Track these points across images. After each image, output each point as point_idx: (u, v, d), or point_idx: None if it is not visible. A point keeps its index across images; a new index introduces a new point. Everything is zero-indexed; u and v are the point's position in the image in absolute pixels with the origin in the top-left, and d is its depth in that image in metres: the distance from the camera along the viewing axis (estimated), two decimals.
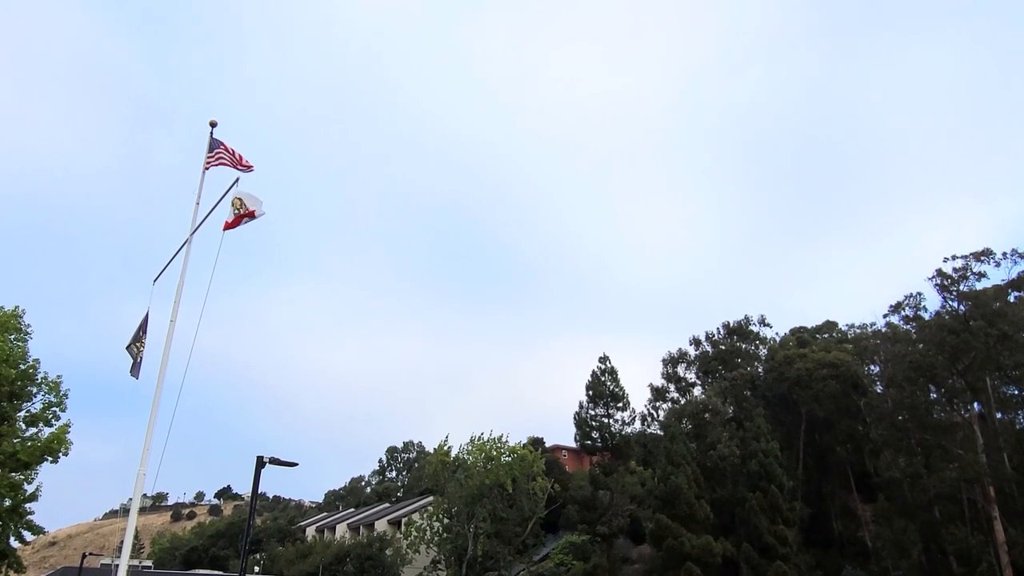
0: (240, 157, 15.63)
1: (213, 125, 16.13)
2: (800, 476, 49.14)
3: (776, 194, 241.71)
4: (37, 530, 25.52)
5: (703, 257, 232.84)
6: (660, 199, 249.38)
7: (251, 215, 14.56)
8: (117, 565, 17.10)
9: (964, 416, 44.37)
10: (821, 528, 48.44)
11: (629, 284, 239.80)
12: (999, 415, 44.46)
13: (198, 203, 15.32)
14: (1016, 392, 45.96)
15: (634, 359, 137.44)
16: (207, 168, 15.52)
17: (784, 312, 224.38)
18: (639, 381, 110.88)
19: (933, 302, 46.39)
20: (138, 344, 15.23)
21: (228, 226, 14.54)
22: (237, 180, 14.79)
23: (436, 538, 51.99)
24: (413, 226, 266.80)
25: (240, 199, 14.79)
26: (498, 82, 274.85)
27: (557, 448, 71.34)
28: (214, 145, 15.61)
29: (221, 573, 48.83)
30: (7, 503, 23.37)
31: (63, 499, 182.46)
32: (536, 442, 63.05)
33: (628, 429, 50.69)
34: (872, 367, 53.99)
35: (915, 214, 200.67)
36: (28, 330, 25.81)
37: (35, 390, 24.96)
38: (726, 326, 58.30)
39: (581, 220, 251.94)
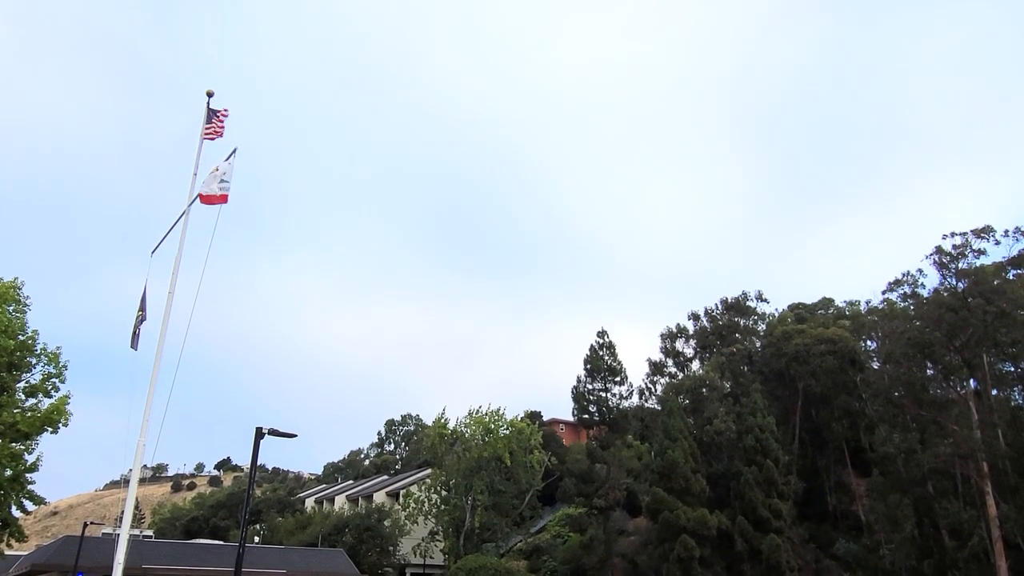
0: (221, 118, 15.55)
1: (210, 95, 15.93)
2: (795, 451, 49.58)
3: (782, 168, 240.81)
4: (38, 500, 25.72)
5: (706, 231, 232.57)
6: (665, 172, 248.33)
7: (222, 199, 14.39)
8: (118, 534, 17.25)
9: (960, 393, 44.64)
10: (815, 502, 48.98)
11: (631, 258, 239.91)
12: (995, 392, 44.73)
13: (195, 174, 15.20)
14: (1012, 369, 46.20)
15: (635, 334, 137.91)
16: (205, 139, 15.37)
17: (783, 288, 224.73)
18: (638, 356, 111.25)
19: (932, 280, 46.49)
20: (141, 317, 15.23)
21: (207, 200, 14.42)
22: (235, 151, 14.65)
23: (434, 510, 52.60)
24: (417, 197, 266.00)
25: (226, 166, 14.66)
26: (506, 52, 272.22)
27: (554, 422, 71.83)
28: (211, 116, 15.44)
29: (221, 543, 49.28)
30: (8, 473, 23.51)
31: (64, 470, 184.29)
32: (534, 416, 63.46)
33: (625, 403, 51.02)
34: (869, 343, 54.26)
35: (925, 191, 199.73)
36: (27, 301, 25.79)
37: (34, 361, 25.00)
38: (724, 302, 58.40)
39: (586, 192, 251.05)
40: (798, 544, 42.94)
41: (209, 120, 15.48)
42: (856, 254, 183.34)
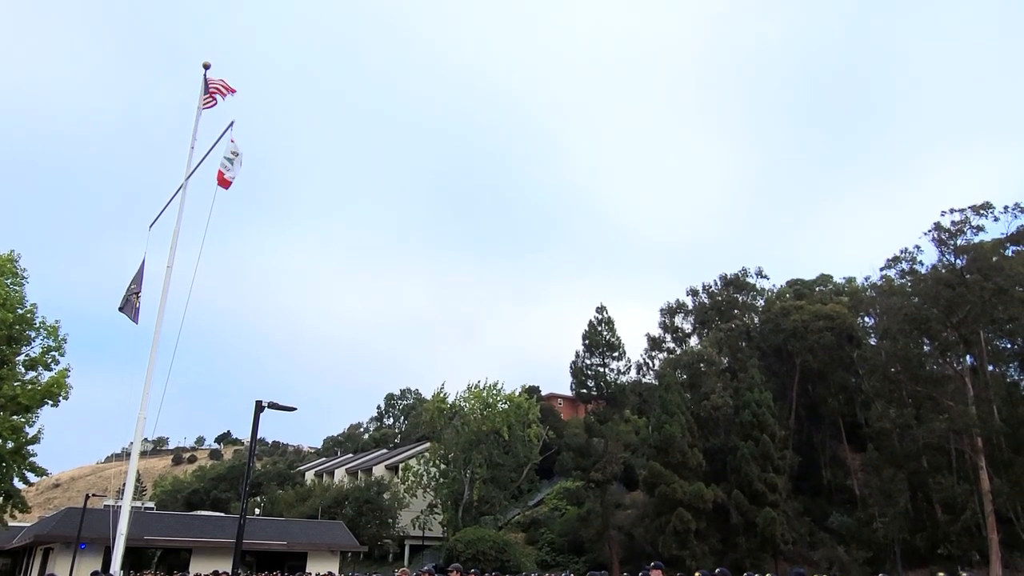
0: (224, 85, 15.37)
1: (207, 67, 15.76)
2: (792, 426, 49.95)
3: (787, 143, 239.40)
4: (40, 472, 25.93)
5: (709, 206, 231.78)
6: (671, 146, 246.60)
7: (225, 184, 14.27)
8: (120, 506, 17.41)
9: (956, 369, 44.86)
10: (810, 476, 49.47)
11: (634, 232, 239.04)
12: (991, 368, 44.99)
13: (192, 147, 15.09)
14: (1009, 345, 46.41)
15: (634, 309, 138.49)
16: (203, 108, 15.24)
17: (782, 264, 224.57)
18: (637, 331, 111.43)
19: (931, 256, 46.53)
20: (135, 290, 15.22)
21: (222, 182, 14.32)
22: (232, 123, 14.54)
23: (433, 483, 53.09)
24: (423, 170, 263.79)
25: (230, 143, 14.54)
26: (513, 18, 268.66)
27: (553, 396, 72.21)
28: (208, 87, 15.31)
29: (222, 514, 49.82)
30: (9, 445, 23.68)
31: (66, 442, 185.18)
32: (532, 390, 63.78)
33: (623, 378, 51.26)
34: (867, 319, 54.40)
35: (930, 168, 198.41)
36: (24, 275, 25.79)
37: (33, 335, 25.06)
38: (723, 278, 58.47)
39: (591, 164, 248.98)
40: (793, 517, 43.45)
41: (206, 91, 15.35)
42: (857, 231, 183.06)
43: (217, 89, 15.33)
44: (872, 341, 52.22)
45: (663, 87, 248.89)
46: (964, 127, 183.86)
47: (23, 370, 24.79)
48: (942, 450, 42.77)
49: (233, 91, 15.67)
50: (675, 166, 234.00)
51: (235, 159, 14.32)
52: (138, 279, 15.16)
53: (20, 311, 24.67)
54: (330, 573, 22.75)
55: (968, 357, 45.19)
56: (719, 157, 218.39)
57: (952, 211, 44.45)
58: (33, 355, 24.96)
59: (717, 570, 10.22)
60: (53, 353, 25.08)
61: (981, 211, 43.83)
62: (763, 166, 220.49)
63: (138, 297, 15.01)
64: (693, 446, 43.20)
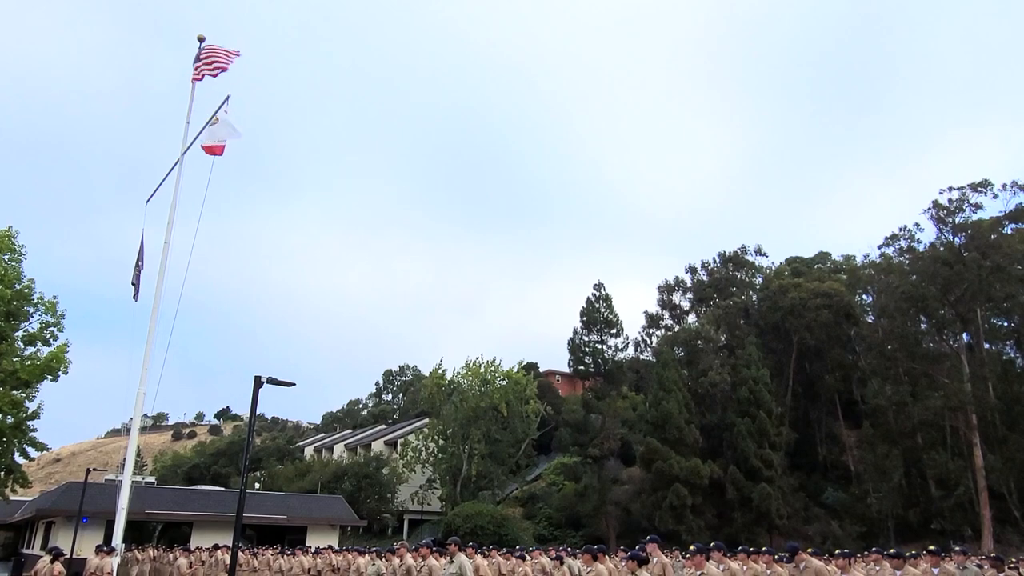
0: (223, 53, 15.18)
1: (201, 40, 15.59)
2: (788, 403, 50.22)
3: (792, 118, 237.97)
4: (41, 447, 26.03)
5: (710, 181, 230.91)
6: (674, 122, 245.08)
7: (219, 151, 14.14)
8: (121, 481, 17.52)
9: (952, 346, 45.06)
10: (806, 452, 49.86)
11: (634, 209, 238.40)
12: (987, 346, 45.19)
13: (188, 122, 14.98)
14: (1006, 323, 46.54)
15: (634, 286, 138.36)
16: (194, 80, 15.08)
17: (782, 242, 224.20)
18: (636, 308, 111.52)
19: (929, 234, 46.52)
20: (140, 267, 15.20)
21: (209, 150, 14.21)
22: (228, 97, 14.40)
23: (431, 458, 53.44)
24: (423, 145, 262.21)
25: (219, 119, 14.40)
26: None
27: (551, 373, 72.50)
28: (201, 58, 15.14)
29: (223, 489, 50.18)
30: (10, 420, 23.75)
31: (66, 417, 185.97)
32: (530, 367, 63.99)
33: (621, 355, 51.41)
34: (865, 297, 54.52)
35: (940, 144, 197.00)
36: (22, 251, 25.69)
37: (32, 310, 25.00)
38: (722, 255, 58.44)
39: (595, 139, 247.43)
40: (788, 493, 43.86)
41: (197, 61, 15.19)
42: (859, 208, 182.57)
43: (212, 60, 15.13)
44: (869, 319, 52.38)
45: (664, 59, 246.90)
46: (975, 103, 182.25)
47: (22, 346, 24.79)
48: (937, 427, 43.08)
49: (236, 53, 15.45)
50: (677, 141, 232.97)
51: (229, 132, 14.19)
52: (140, 255, 15.14)
53: (18, 287, 24.60)
54: (330, 546, 22.97)
55: (964, 335, 45.37)
56: (721, 132, 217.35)
57: (951, 189, 44.39)
58: (32, 331, 24.92)
59: (712, 544, 10.33)
60: (52, 329, 25.04)
61: (980, 188, 43.76)
62: (765, 142, 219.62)
63: (139, 272, 15.00)
64: (690, 422, 43.49)
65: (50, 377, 24.11)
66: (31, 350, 24.73)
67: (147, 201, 15.68)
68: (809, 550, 9.25)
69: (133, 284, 15.11)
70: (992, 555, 14.87)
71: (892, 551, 10.13)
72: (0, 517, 40.92)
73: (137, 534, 32.63)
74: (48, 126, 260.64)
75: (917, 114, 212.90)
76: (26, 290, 24.71)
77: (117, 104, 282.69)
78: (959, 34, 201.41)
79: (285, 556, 20.20)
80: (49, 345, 24.74)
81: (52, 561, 13.62)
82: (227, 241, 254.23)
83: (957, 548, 11.97)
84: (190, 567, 18.89)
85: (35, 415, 24.79)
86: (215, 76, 15.13)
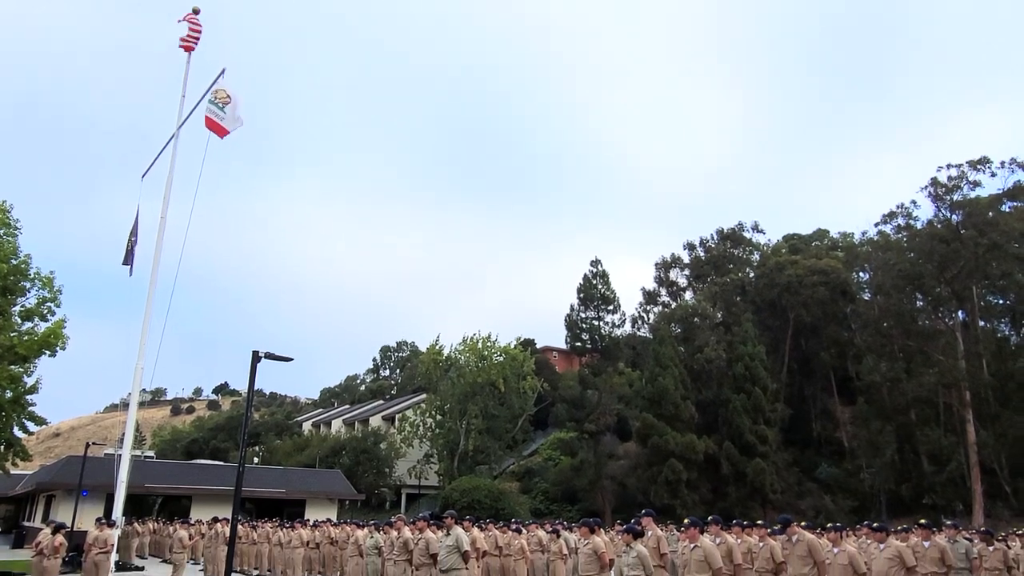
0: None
1: (196, 12, 15.40)
2: (784, 379, 50.52)
3: (789, 95, 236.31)
4: (40, 421, 26.14)
5: (710, 158, 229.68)
6: (676, 94, 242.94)
7: (222, 131, 14.01)
8: (120, 455, 17.64)
9: (948, 324, 45.25)
10: (801, 428, 50.25)
11: (635, 185, 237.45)
12: (982, 323, 45.36)
13: (184, 95, 14.84)
14: (1001, 301, 46.69)
15: (632, 262, 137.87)
16: (185, 49, 14.91)
17: (781, 218, 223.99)
18: (634, 285, 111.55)
19: (927, 212, 46.45)
20: (134, 242, 15.15)
21: (210, 125, 14.09)
22: (223, 71, 14.26)
23: (429, 433, 53.81)
24: (424, 119, 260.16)
25: (224, 91, 14.27)
26: None
27: (548, 349, 72.72)
28: (191, 30, 14.96)
29: (221, 463, 50.52)
30: (8, 394, 23.82)
31: (65, 392, 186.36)
32: (527, 343, 64.18)
33: (618, 332, 51.64)
34: (862, 275, 54.61)
35: (946, 120, 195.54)
36: (17, 225, 25.57)
37: (28, 285, 24.95)
38: (720, 232, 58.43)
39: (597, 112, 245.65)
40: (782, 468, 44.29)
41: (186, 35, 15.02)
42: (861, 184, 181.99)
43: (194, 29, 14.95)
44: (866, 296, 52.54)
45: (665, 35, 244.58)
46: (983, 79, 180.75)
47: (19, 321, 24.77)
48: (930, 403, 43.42)
49: (197, 23, 15.19)
50: (678, 117, 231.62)
51: (228, 106, 14.06)
52: (135, 230, 15.09)
53: (14, 262, 24.51)
54: (328, 520, 23.21)
55: (960, 312, 45.53)
56: (723, 108, 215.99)
57: (949, 166, 44.27)
58: (29, 306, 24.89)
59: (710, 517, 10.46)
60: (49, 304, 25.02)
61: (978, 166, 43.65)
62: (765, 117, 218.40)
63: (133, 247, 14.97)
64: (686, 398, 43.78)
65: (48, 352, 24.12)
66: (28, 325, 24.72)
67: (143, 176, 15.61)
68: (802, 524, 9.36)
69: (126, 263, 15.07)
70: (982, 529, 15.09)
71: (876, 524, 10.26)
72: (1, 490, 41.23)
73: (137, 507, 32.91)
74: (41, 96, 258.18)
75: (922, 90, 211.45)
76: (22, 265, 24.63)
77: (113, 73, 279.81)
78: (969, 5, 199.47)
79: (284, 529, 20.39)
80: (46, 320, 24.72)
81: (53, 533, 13.78)
82: (225, 215, 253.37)
83: (948, 522, 12.15)
84: (190, 539, 19.09)
85: (33, 389, 24.86)
86: (190, 51, 14.95)
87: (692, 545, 8.57)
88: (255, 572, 21.52)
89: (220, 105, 14.00)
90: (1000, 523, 32.44)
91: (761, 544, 10.32)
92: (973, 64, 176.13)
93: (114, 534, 15.42)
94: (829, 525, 10.21)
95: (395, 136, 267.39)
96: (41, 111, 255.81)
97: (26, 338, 23.92)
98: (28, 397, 24.81)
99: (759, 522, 11.63)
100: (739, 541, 10.43)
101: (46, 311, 24.93)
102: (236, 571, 18.78)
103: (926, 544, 10.29)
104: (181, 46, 14.89)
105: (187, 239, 13.67)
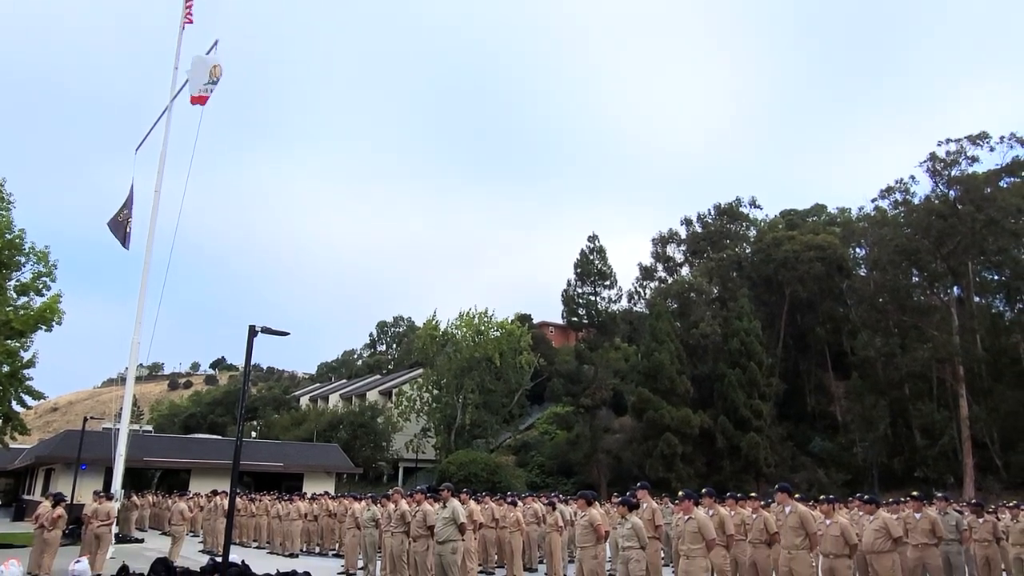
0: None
1: None
2: (779, 354, 50.78)
3: (792, 67, 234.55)
4: (37, 395, 26.20)
5: (710, 132, 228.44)
6: (675, 67, 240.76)
7: (201, 101, 13.89)
8: (118, 429, 17.75)
9: (943, 299, 45.43)
10: (795, 403, 50.63)
11: (633, 160, 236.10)
12: (977, 299, 45.53)
13: (176, 67, 14.69)
14: (996, 277, 46.83)
15: (630, 238, 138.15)
16: (185, 22, 14.76)
17: (780, 193, 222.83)
18: (631, 261, 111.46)
19: (925, 187, 46.36)
20: (127, 216, 15.08)
21: (195, 100, 13.97)
22: (216, 42, 14.10)
23: (426, 408, 54.11)
24: (424, 93, 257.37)
25: (219, 66, 14.13)
26: None
27: (544, 324, 72.90)
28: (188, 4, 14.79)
29: (219, 437, 50.81)
30: (5, 369, 23.83)
31: (63, 367, 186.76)
32: (523, 318, 64.36)
33: (614, 307, 51.76)
34: (858, 250, 54.64)
35: (953, 94, 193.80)
36: (10, 199, 25.38)
37: (23, 260, 24.83)
38: (717, 207, 58.30)
39: (598, 84, 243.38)
40: (776, 442, 44.69)
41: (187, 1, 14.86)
42: (857, 161, 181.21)
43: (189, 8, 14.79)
44: (862, 272, 52.61)
45: (663, 2, 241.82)
46: (988, 52, 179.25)
47: (15, 295, 24.69)
48: (924, 378, 43.71)
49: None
50: (677, 90, 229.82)
51: (212, 76, 13.93)
52: (128, 204, 15.02)
53: (8, 236, 24.37)
54: (326, 493, 23.41)
55: (955, 288, 45.69)
56: (722, 80, 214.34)
57: (948, 141, 44.13)
58: (24, 281, 24.80)
59: (704, 490, 10.57)
60: (44, 279, 24.93)
61: (978, 141, 43.52)
62: (764, 91, 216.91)
63: (129, 223, 14.91)
64: (681, 373, 44.01)
65: (44, 327, 24.09)
66: (24, 300, 24.65)
67: (137, 148, 15.49)
68: (796, 496, 9.47)
69: (118, 235, 15.01)
70: (973, 501, 15.29)
71: (867, 497, 10.39)
72: (0, 464, 41.46)
73: (136, 481, 33.14)
74: (32, 66, 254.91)
75: (924, 65, 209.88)
76: (17, 240, 24.49)
77: (111, 46, 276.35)
78: None
79: (282, 502, 20.57)
80: (42, 295, 24.64)
81: (53, 506, 13.86)
82: (221, 189, 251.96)
83: (939, 495, 12.30)
84: (189, 512, 19.25)
85: (30, 364, 24.88)
86: (187, 24, 14.81)
87: (686, 517, 8.66)
88: (254, 544, 21.74)
89: (215, 81, 13.88)
90: (991, 496, 32.87)
91: (755, 516, 10.46)
92: (976, 36, 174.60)
93: (114, 507, 15.54)
94: (822, 497, 10.34)
95: (394, 114, 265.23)
96: (33, 84, 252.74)
97: (22, 313, 23.87)
98: (25, 371, 24.84)
99: (752, 495, 11.77)
100: (732, 513, 10.56)
101: (41, 286, 24.83)
102: (235, 543, 19.01)
103: (917, 516, 10.42)
104: (184, 22, 14.73)
105: (182, 213, 13.63)
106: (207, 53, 14.12)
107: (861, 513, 10.48)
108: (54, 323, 24.31)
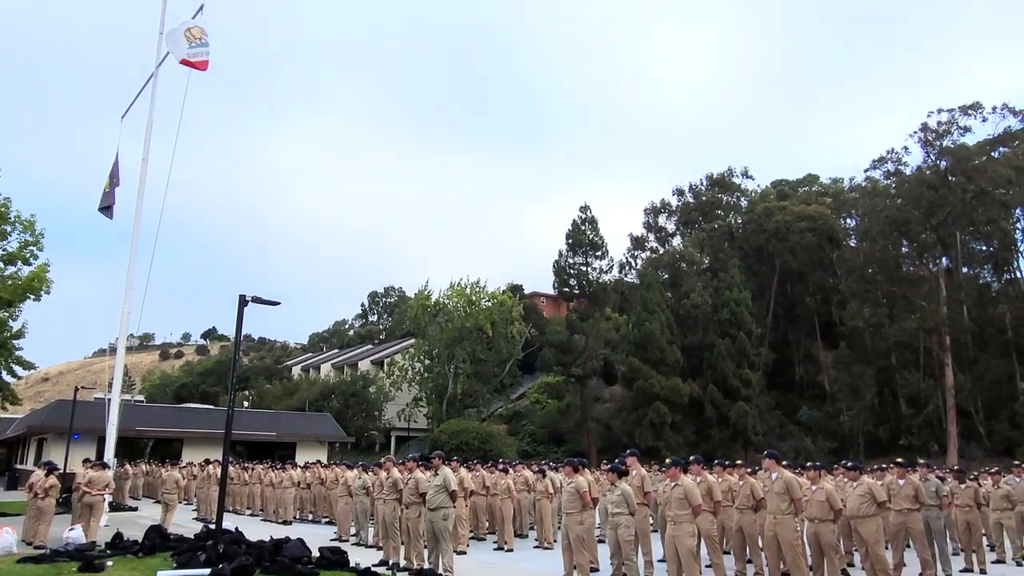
0: None
1: None
2: (769, 324, 51.13)
3: (795, 33, 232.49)
4: (28, 365, 26.18)
5: (702, 102, 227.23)
6: (671, 33, 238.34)
7: (202, 66, 13.62)
8: (110, 399, 17.75)
9: (932, 270, 45.71)
10: (784, 372, 51.13)
11: (625, 129, 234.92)
12: (965, 269, 45.84)
13: (162, 33, 14.42)
14: (984, 248, 47.10)
15: (622, 208, 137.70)
16: None
17: (772, 163, 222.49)
18: (623, 230, 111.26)
19: (917, 158, 46.37)
20: (114, 184, 14.90)
21: (187, 63, 13.70)
22: (201, 7, 13.84)
23: (418, 377, 54.33)
24: (416, 63, 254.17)
25: (200, 28, 13.85)
26: None
27: (536, 295, 73.03)
28: None
29: (212, 407, 50.92)
30: None
31: (53, 336, 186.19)
32: (515, 288, 64.42)
33: (606, 277, 51.84)
34: (849, 221, 54.77)
35: (938, 66, 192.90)
36: None
37: (9, 229, 24.62)
38: (709, 177, 58.17)
39: (588, 57, 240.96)
40: (764, 411, 45.21)
41: None
42: (851, 130, 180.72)
43: None
44: (852, 242, 52.79)
45: None
46: (982, 23, 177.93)
47: (2, 265, 24.53)
48: (911, 348, 44.15)
49: None
50: (671, 58, 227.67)
51: (191, 39, 13.67)
52: (114, 173, 14.84)
53: None
54: (318, 461, 23.58)
55: (944, 259, 45.95)
56: (718, 49, 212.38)
57: (940, 111, 44.01)
58: (10, 250, 24.62)
59: (692, 457, 10.70)
60: (31, 248, 24.76)
61: (970, 111, 43.42)
62: (762, 60, 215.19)
63: (112, 189, 14.74)
64: (672, 343, 44.29)
65: (32, 296, 23.99)
66: (11, 270, 24.50)
67: (122, 116, 15.28)
68: (783, 463, 9.59)
69: (102, 209, 14.81)
70: (955, 468, 15.56)
71: (851, 464, 10.58)
72: None
73: (129, 450, 33.27)
74: (12, 28, 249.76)
75: (920, 35, 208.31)
76: (2, 209, 24.26)
77: (92, 7, 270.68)
78: None
79: (275, 470, 20.71)
80: (29, 264, 24.49)
81: (46, 475, 13.92)
82: (211, 158, 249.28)
83: (922, 462, 12.50)
84: (183, 480, 19.37)
85: (19, 334, 24.82)
86: None
87: (673, 484, 8.79)
88: (247, 512, 21.93)
89: (195, 44, 13.61)
90: (973, 463, 33.40)
91: (741, 483, 10.62)
92: (973, 5, 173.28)
93: (110, 475, 15.62)
94: (808, 465, 10.49)
95: (387, 84, 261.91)
96: (16, 49, 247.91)
97: (9, 283, 23.73)
98: (15, 342, 24.80)
99: (739, 462, 11.95)
100: (720, 480, 10.71)
101: (28, 255, 24.67)
102: (228, 510, 19.17)
103: (901, 482, 10.59)
104: None
105: (170, 181, 13.49)
106: (193, 17, 13.86)
107: (846, 480, 10.65)
108: (42, 292, 24.20)
